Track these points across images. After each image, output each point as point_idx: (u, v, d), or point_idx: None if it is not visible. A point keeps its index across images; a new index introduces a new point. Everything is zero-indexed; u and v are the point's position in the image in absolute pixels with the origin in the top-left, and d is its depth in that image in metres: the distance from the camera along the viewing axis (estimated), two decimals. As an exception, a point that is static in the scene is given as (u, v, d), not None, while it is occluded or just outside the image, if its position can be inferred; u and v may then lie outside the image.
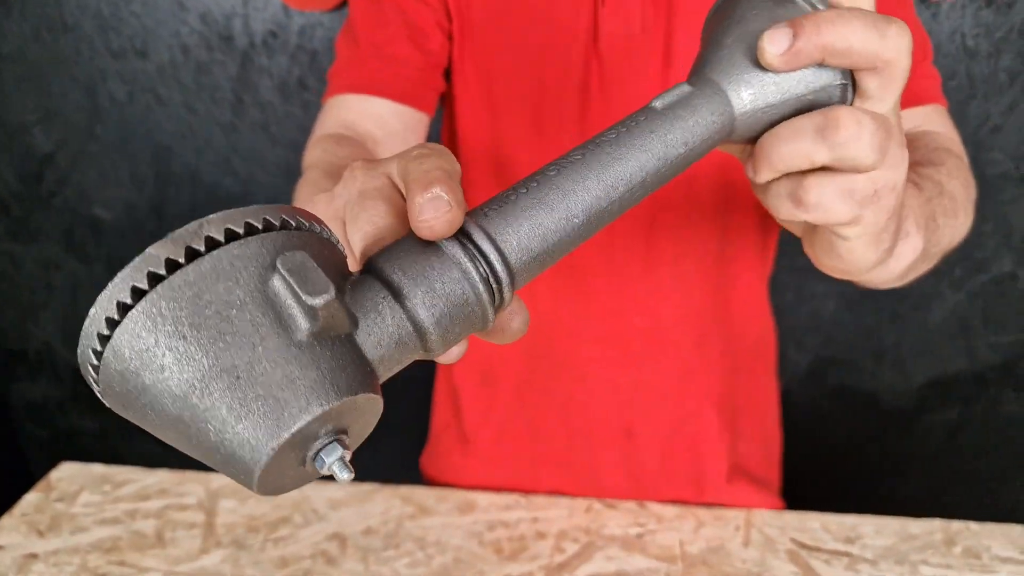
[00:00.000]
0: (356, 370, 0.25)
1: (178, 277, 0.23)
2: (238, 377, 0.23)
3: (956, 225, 0.52)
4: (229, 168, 1.30)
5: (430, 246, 0.28)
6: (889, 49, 0.30)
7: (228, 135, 1.28)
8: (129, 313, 0.23)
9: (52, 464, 0.74)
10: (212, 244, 0.24)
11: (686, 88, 0.33)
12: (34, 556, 0.62)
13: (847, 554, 0.62)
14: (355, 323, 0.26)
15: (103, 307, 0.23)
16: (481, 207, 0.30)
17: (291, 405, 0.23)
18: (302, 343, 0.24)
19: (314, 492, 0.70)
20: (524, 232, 0.29)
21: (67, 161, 1.33)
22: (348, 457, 0.26)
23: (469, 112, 0.67)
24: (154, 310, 0.23)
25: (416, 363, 0.30)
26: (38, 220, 1.39)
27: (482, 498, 0.69)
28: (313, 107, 1.24)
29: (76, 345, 1.48)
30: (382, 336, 0.26)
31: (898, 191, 0.34)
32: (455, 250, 0.27)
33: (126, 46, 1.24)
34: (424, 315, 0.27)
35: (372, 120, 0.63)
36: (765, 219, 0.69)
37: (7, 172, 1.35)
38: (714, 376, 0.72)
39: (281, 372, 0.24)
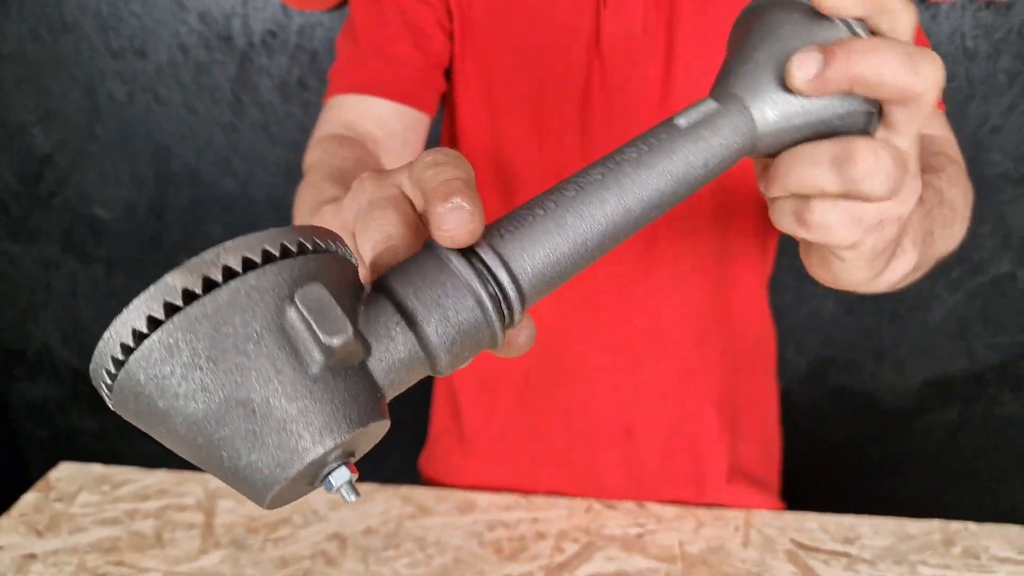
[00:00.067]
0: (368, 399, 0.26)
1: (195, 309, 0.23)
2: (253, 411, 0.23)
3: (952, 235, 0.52)
4: (229, 168, 1.30)
5: (444, 269, 0.27)
6: (920, 84, 0.29)
7: (228, 135, 1.28)
8: (145, 342, 0.23)
9: (51, 464, 0.74)
10: (229, 274, 0.23)
11: (711, 105, 0.32)
12: (33, 556, 0.62)
13: (846, 554, 0.62)
14: (368, 349, 0.26)
15: (118, 332, 0.23)
16: (497, 225, 0.29)
17: (305, 439, 0.24)
18: (316, 377, 0.24)
19: (314, 493, 0.69)
20: (539, 258, 0.29)
21: (67, 161, 1.33)
22: (355, 478, 0.26)
23: (469, 112, 0.67)
24: (170, 340, 0.23)
25: None
26: (38, 220, 1.39)
27: (482, 498, 0.69)
28: (313, 107, 1.24)
29: (76, 345, 1.48)
30: (393, 362, 0.27)
31: (902, 221, 0.34)
32: (469, 275, 0.27)
33: (125, 46, 1.24)
34: (436, 342, 0.27)
35: (372, 120, 0.63)
36: (765, 220, 0.69)
37: (7, 172, 1.35)
38: (714, 376, 0.72)
39: (296, 407, 0.24)
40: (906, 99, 0.30)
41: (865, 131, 0.32)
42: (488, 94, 0.66)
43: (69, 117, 1.30)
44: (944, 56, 1.10)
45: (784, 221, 0.34)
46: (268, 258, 0.24)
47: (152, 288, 0.23)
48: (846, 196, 0.31)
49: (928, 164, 0.55)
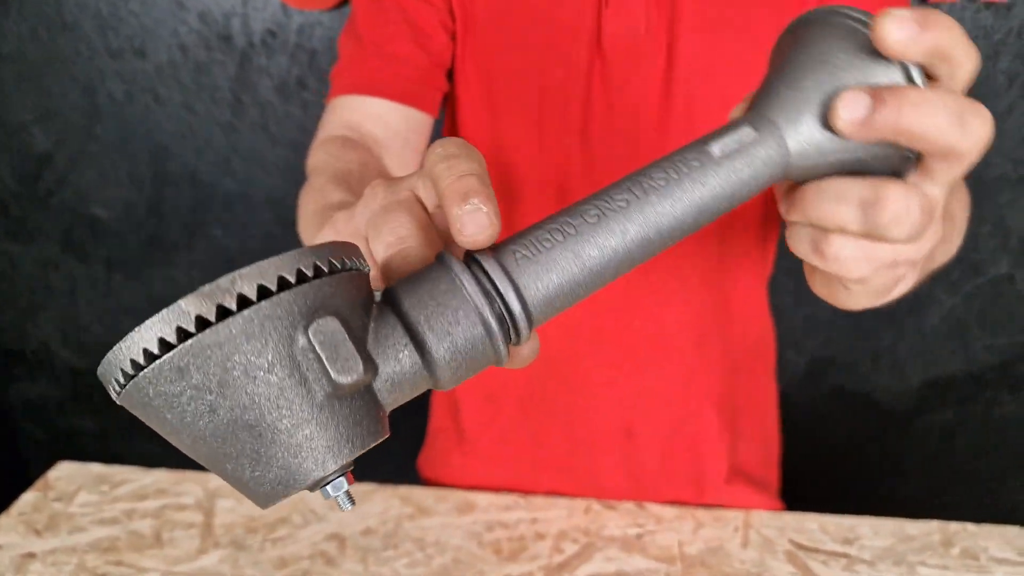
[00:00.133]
0: (371, 421, 0.26)
1: (208, 336, 0.23)
2: (260, 434, 0.24)
3: (950, 249, 0.52)
4: (228, 168, 1.30)
5: (457, 294, 0.27)
6: (966, 143, 0.28)
7: (227, 135, 1.28)
8: (155, 362, 0.23)
9: (50, 464, 0.74)
10: (243, 302, 0.23)
11: (748, 133, 0.31)
12: (32, 556, 0.62)
13: (845, 555, 0.62)
14: (374, 370, 0.26)
15: (129, 348, 0.23)
16: (513, 246, 0.29)
17: (308, 461, 0.24)
18: (323, 404, 0.24)
19: (314, 494, 0.69)
20: (553, 287, 0.28)
21: (65, 161, 1.33)
22: (351, 487, 0.27)
23: (470, 113, 0.67)
24: (181, 364, 0.23)
25: None
26: (36, 220, 1.39)
27: (481, 498, 0.69)
28: (312, 107, 1.24)
29: (75, 345, 1.48)
30: (399, 383, 0.27)
31: (916, 264, 0.33)
32: (481, 304, 0.27)
33: (125, 46, 1.24)
34: (443, 366, 0.27)
35: (375, 121, 0.63)
36: (765, 222, 0.69)
37: (5, 172, 1.35)
38: (714, 377, 0.72)
39: (301, 433, 0.24)
40: (949, 156, 0.29)
41: (898, 173, 0.31)
42: (489, 94, 0.66)
43: (68, 117, 1.30)
44: (943, 57, 1.10)
45: (800, 247, 0.33)
46: (284, 285, 0.24)
47: (165, 312, 0.23)
48: (867, 236, 0.31)
49: None
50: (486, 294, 0.27)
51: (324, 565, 0.61)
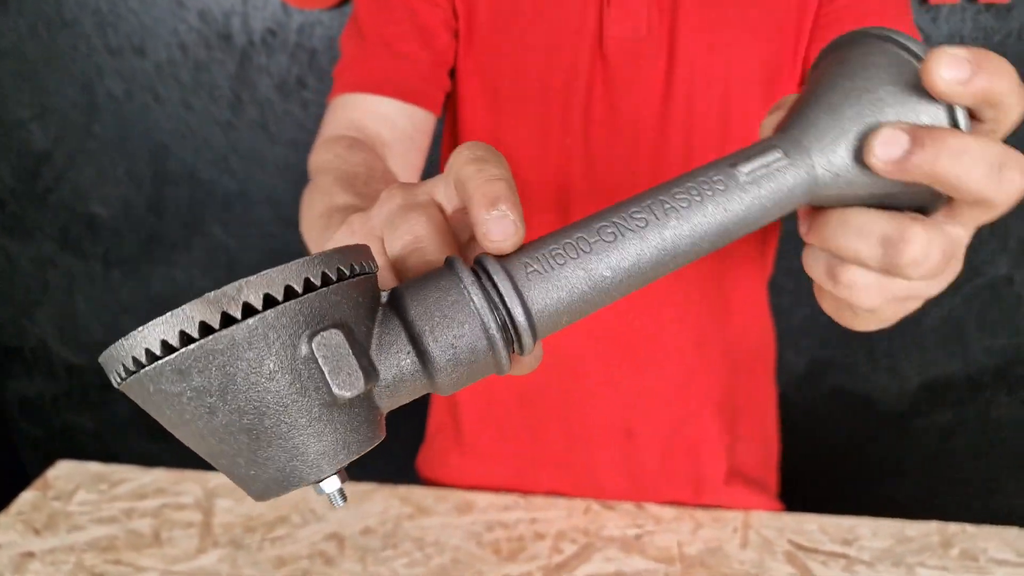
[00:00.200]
0: (368, 426, 0.26)
1: (210, 343, 0.23)
2: (257, 437, 0.24)
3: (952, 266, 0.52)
4: (227, 167, 1.30)
5: (464, 308, 0.27)
6: (1000, 195, 0.28)
7: (226, 134, 1.28)
8: (157, 362, 0.23)
9: (47, 462, 0.74)
10: (249, 310, 0.23)
11: (778, 159, 0.29)
12: (31, 555, 0.62)
13: (844, 556, 0.62)
14: (376, 377, 0.26)
15: (131, 345, 0.23)
16: (525, 259, 0.28)
17: (304, 465, 0.25)
18: (321, 413, 0.25)
19: (313, 492, 0.69)
20: (562, 305, 0.28)
21: (64, 158, 1.33)
22: (344, 485, 0.27)
23: (472, 112, 0.67)
24: (182, 367, 0.23)
25: None
26: (34, 217, 1.38)
27: (481, 498, 0.69)
28: (312, 106, 1.24)
29: (72, 342, 1.48)
30: (398, 389, 0.27)
31: (928, 298, 0.33)
32: (488, 319, 0.27)
33: (124, 43, 1.23)
34: (443, 376, 0.27)
35: (380, 120, 0.62)
36: (765, 222, 0.69)
37: (3, 169, 1.35)
38: (714, 377, 0.72)
39: (298, 439, 0.24)
40: (981, 205, 0.29)
41: (924, 208, 0.30)
42: (491, 93, 0.65)
43: (67, 114, 1.29)
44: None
45: (814, 269, 0.33)
46: (290, 294, 0.24)
47: (170, 315, 0.23)
48: (884, 272, 0.30)
49: None
50: (493, 308, 0.27)
51: (323, 565, 0.61)
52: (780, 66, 0.62)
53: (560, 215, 0.66)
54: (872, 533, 0.64)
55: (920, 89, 0.28)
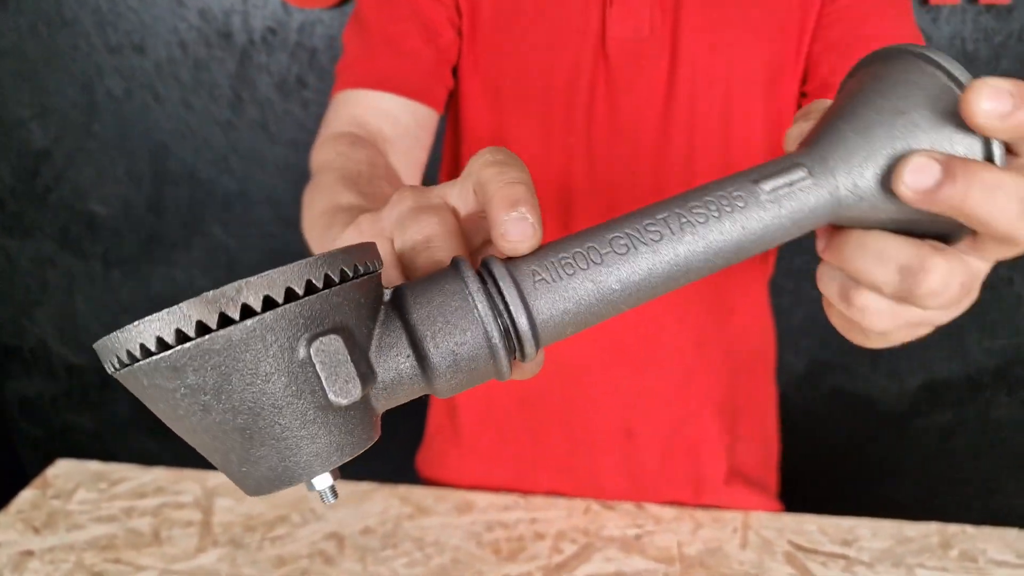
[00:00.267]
0: (363, 429, 0.26)
1: (207, 343, 0.22)
2: (251, 436, 0.24)
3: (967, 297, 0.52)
4: (227, 166, 1.30)
5: (468, 314, 0.26)
6: None
7: (226, 133, 1.28)
8: (151, 358, 0.23)
9: (46, 461, 0.74)
10: (247, 312, 0.23)
11: (802, 179, 0.28)
12: (30, 553, 0.62)
13: (844, 556, 0.62)
14: (373, 380, 0.26)
15: (126, 339, 0.23)
16: (533, 264, 0.27)
17: (297, 466, 0.25)
18: (316, 417, 0.24)
19: (313, 494, 0.69)
20: (569, 316, 0.27)
21: (63, 157, 1.33)
22: (336, 482, 0.27)
23: (474, 110, 0.67)
24: (177, 365, 0.23)
25: None
26: (33, 216, 1.38)
27: (480, 498, 0.69)
28: (312, 105, 1.24)
29: (71, 342, 1.48)
30: (394, 391, 0.27)
31: (940, 324, 0.33)
32: (492, 328, 0.26)
33: (124, 42, 1.23)
34: (442, 381, 0.27)
35: (382, 116, 0.62)
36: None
37: (3, 168, 1.35)
38: (714, 378, 0.72)
39: (292, 439, 0.24)
40: (1007, 242, 0.28)
41: (947, 237, 0.29)
42: (493, 93, 0.65)
43: (66, 113, 1.29)
44: (943, 59, 1.10)
45: (828, 288, 0.33)
46: (291, 296, 0.23)
47: (166, 312, 0.22)
48: (899, 300, 0.30)
49: None
50: (497, 316, 0.27)
51: (323, 564, 0.61)
52: (782, 66, 0.62)
53: (562, 214, 0.66)
54: (872, 534, 0.64)
55: (957, 117, 0.27)
